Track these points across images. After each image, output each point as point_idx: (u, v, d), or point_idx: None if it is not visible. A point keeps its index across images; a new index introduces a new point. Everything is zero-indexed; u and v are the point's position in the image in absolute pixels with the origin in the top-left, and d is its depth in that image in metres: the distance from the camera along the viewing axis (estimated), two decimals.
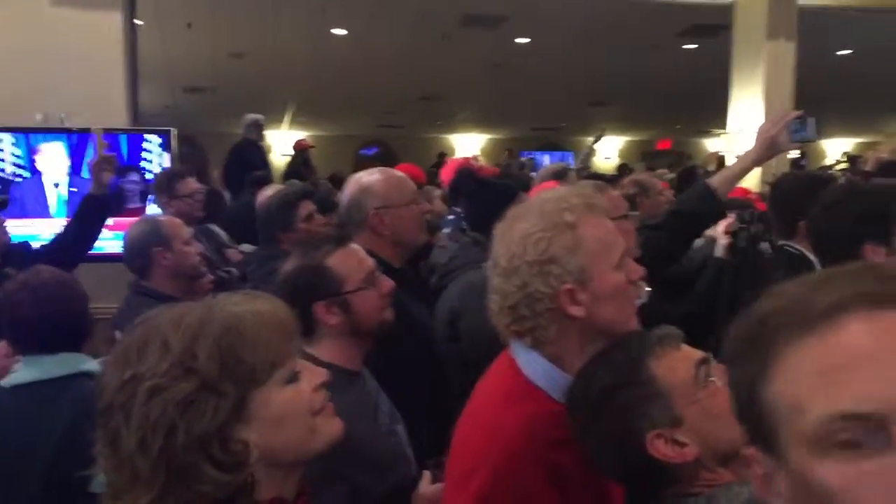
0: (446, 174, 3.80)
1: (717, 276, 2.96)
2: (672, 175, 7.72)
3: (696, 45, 10.66)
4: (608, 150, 19.27)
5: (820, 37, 8.38)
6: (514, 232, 1.45)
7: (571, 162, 16.30)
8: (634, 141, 20.17)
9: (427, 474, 1.77)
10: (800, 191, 2.64)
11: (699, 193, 2.58)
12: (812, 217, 2.17)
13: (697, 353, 1.32)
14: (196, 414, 0.99)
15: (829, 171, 7.53)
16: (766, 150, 2.44)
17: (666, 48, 10.76)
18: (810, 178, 2.88)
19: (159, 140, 4.83)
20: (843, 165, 9.39)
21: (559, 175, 4.60)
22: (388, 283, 1.94)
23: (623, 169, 12.56)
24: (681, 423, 1.25)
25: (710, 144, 17.76)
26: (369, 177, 2.53)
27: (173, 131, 4.91)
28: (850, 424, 0.68)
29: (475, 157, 15.50)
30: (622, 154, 19.70)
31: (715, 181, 2.57)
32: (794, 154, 8.47)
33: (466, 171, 3.53)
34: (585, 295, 1.42)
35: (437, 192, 4.46)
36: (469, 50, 10.83)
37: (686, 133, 18.91)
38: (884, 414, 0.67)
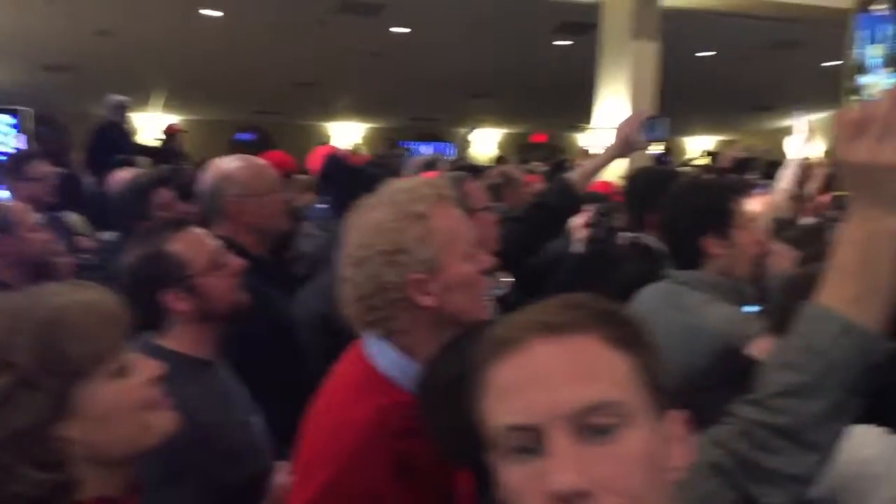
0: (314, 162, 3.75)
1: (575, 268, 3.04)
2: (546, 168, 7.92)
3: (569, 43, 10.96)
4: (486, 142, 19.56)
5: (683, 38, 8.77)
6: (366, 221, 1.46)
7: (451, 152, 16.47)
8: (512, 134, 20.53)
9: (284, 465, 1.75)
10: (649, 185, 2.77)
11: (558, 187, 2.66)
12: (659, 210, 2.27)
13: None
14: (11, 410, 0.93)
15: (682, 167, 7.91)
16: (622, 147, 2.55)
17: (540, 44, 11.02)
18: (659, 173, 3.03)
19: (11, 120, 4.56)
20: (703, 161, 9.92)
21: (430, 166, 4.61)
22: (236, 263, 1.90)
23: (500, 161, 12.77)
24: None
25: (583, 139, 18.32)
26: (229, 163, 2.47)
27: (27, 111, 4.64)
28: (518, 434, 0.81)
29: (355, 147, 15.39)
30: (500, 146, 20.01)
31: (574, 176, 2.66)
32: (657, 150, 8.85)
33: (335, 158, 3.49)
34: (436, 285, 1.43)
35: (306, 181, 4.40)
36: (346, 37, 10.73)
37: (561, 127, 19.41)
38: (539, 426, 0.79)
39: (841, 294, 1.05)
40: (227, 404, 1.84)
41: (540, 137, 19.47)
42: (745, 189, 2.30)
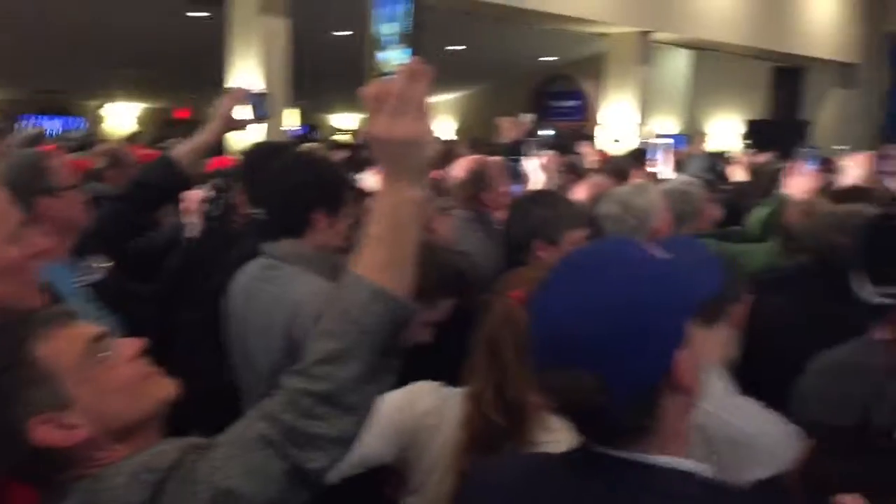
0: None
1: (191, 246, 2.94)
2: None
3: (204, 14, 10.57)
4: (123, 117, 18.33)
5: (317, 16, 8.87)
6: None
7: (81, 127, 15.14)
8: (153, 108, 19.39)
9: None
10: (263, 160, 2.76)
11: (160, 164, 2.54)
12: (262, 183, 2.25)
13: (92, 330, 1.25)
14: None
15: (326, 143, 8.11)
16: (223, 124, 2.53)
17: (174, 14, 10.50)
18: (273, 148, 3.02)
19: None
20: (344, 138, 10.29)
21: (34, 141, 4.23)
22: None
23: (133, 137, 12.07)
24: (71, 405, 1.17)
25: None
26: None
27: None
28: None
29: None
30: (140, 121, 18.82)
31: (178, 152, 2.55)
32: (295, 128, 8.90)
33: None
34: None
35: None
36: None
37: (206, 102, 18.72)
38: None
39: (372, 262, 1.09)
40: None
41: (182, 113, 18.62)
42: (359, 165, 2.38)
